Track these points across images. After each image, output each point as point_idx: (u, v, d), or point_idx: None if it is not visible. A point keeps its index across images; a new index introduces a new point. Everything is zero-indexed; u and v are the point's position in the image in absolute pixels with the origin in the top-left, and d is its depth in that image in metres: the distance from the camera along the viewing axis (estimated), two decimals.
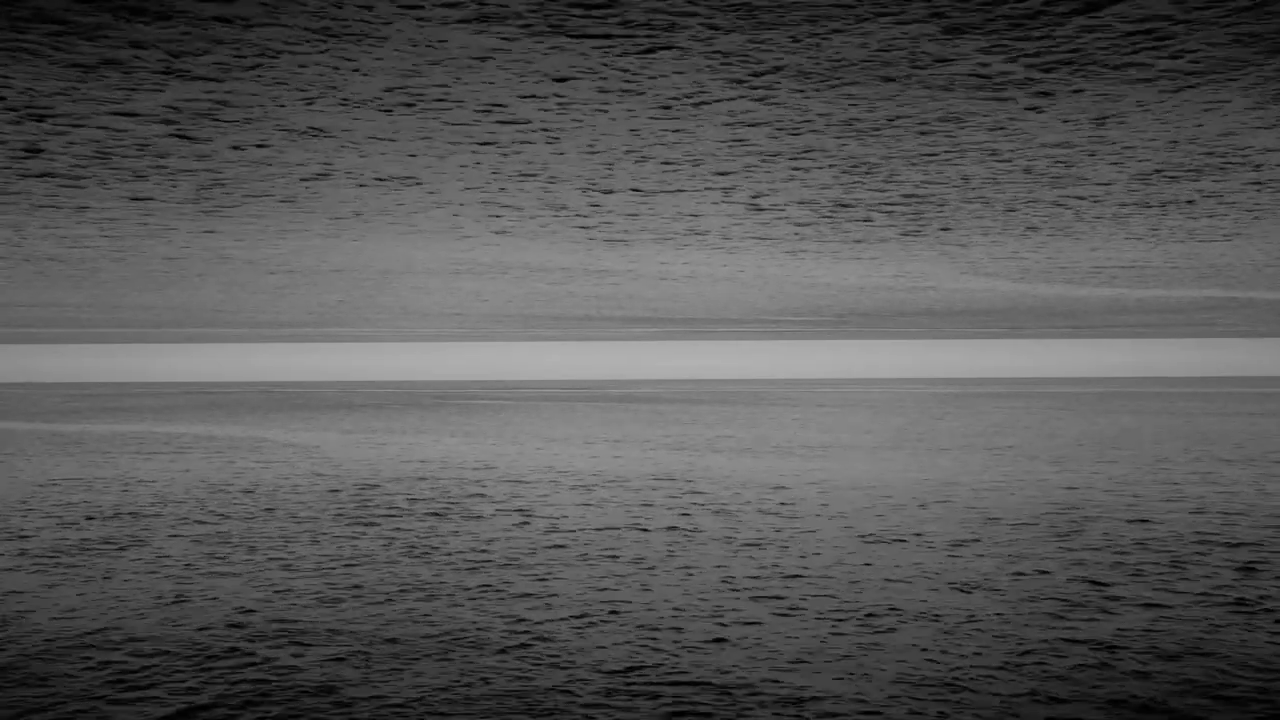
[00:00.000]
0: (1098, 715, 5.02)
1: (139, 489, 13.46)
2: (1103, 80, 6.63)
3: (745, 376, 63.71)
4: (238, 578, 8.07)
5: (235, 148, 8.78)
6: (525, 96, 7.08)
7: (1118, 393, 41.17)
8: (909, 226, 14.15)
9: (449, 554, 8.98)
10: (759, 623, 6.70)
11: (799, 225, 14.04)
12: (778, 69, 6.38)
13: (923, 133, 8.29)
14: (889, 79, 6.61)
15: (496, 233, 14.76)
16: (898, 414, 28.77)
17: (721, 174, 10.21)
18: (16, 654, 6.03)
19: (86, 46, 5.80)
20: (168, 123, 7.81)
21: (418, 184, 10.73)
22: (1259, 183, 10.77)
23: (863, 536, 9.75)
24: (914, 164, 9.69)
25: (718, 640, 6.30)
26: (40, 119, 7.67)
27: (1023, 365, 76.37)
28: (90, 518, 11.09)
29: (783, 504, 11.86)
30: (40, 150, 8.86)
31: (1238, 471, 14.84)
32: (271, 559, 8.80)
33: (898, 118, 7.75)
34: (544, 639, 6.34)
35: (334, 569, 8.38)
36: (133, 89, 6.77)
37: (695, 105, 7.35)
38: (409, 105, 7.31)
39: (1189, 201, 12.08)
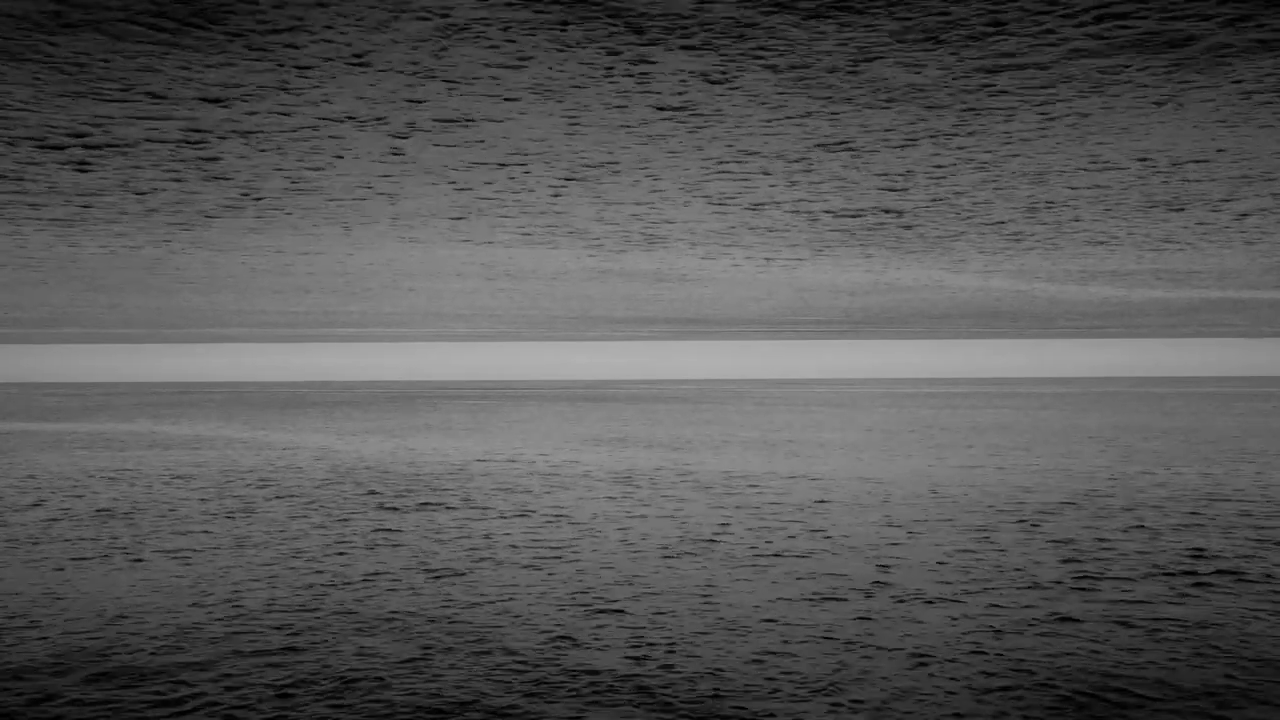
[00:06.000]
0: (1099, 713, 5.04)
1: (138, 489, 13.48)
2: (1101, 82, 6.66)
3: (745, 376, 63.69)
4: (237, 578, 8.10)
5: (236, 150, 8.80)
6: (526, 97, 7.11)
7: (1118, 393, 41.19)
8: (909, 227, 14.17)
9: (449, 554, 9.01)
10: (759, 622, 6.73)
11: (800, 226, 14.06)
12: (779, 73, 6.41)
13: (923, 133, 8.32)
14: (889, 81, 6.63)
15: (497, 234, 14.79)
16: (898, 414, 28.80)
17: (722, 176, 10.24)
18: (19, 655, 6.05)
19: (90, 48, 5.83)
20: (168, 124, 7.84)
21: (419, 186, 10.75)
22: (1258, 183, 10.79)
23: (862, 535, 9.77)
24: (914, 164, 9.72)
25: (718, 638, 6.32)
26: (41, 119, 7.70)
27: (1023, 365, 76.35)
28: (90, 518, 11.11)
29: (783, 504, 11.89)
30: (41, 151, 8.89)
31: (1237, 471, 14.86)
32: (271, 559, 8.82)
33: (898, 118, 7.78)
34: (544, 638, 6.36)
35: (333, 569, 8.40)
36: (135, 91, 6.80)
37: (696, 107, 7.37)
38: (410, 107, 7.34)
39: (1189, 201, 12.10)
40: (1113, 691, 5.32)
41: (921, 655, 5.98)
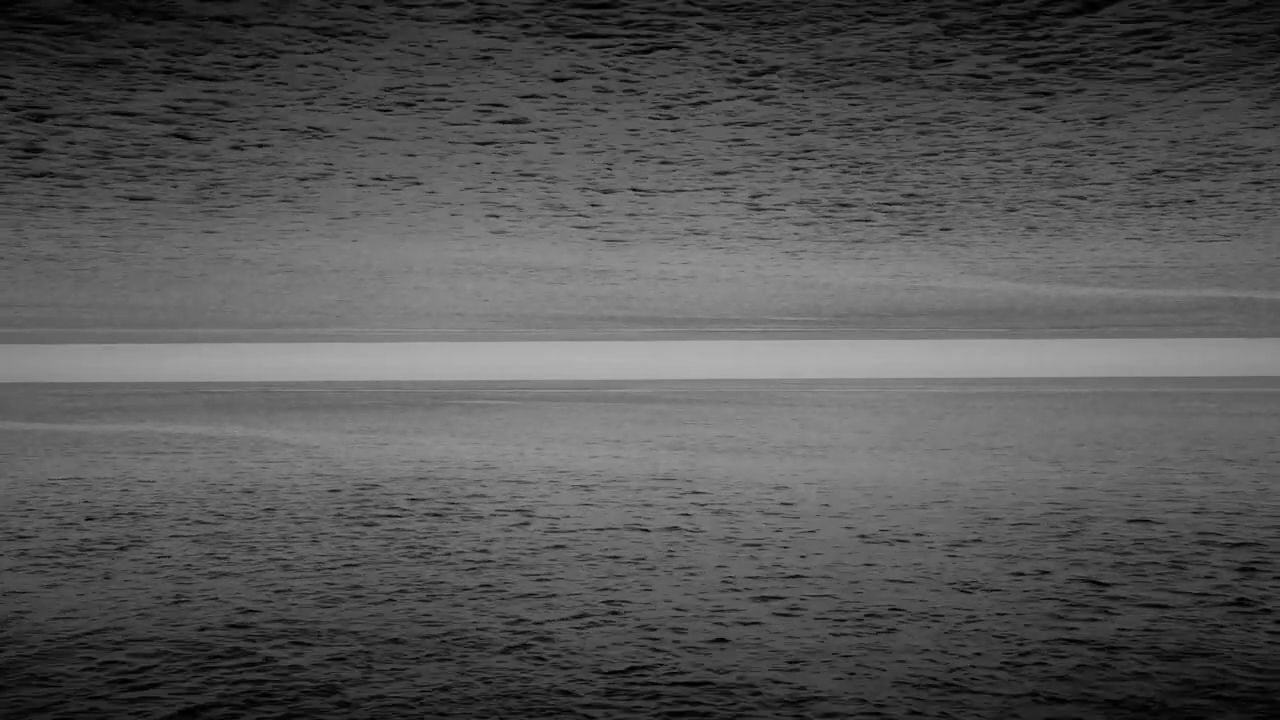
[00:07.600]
0: (1098, 716, 5.01)
1: (139, 489, 13.46)
2: (1102, 80, 6.63)
3: (745, 376, 63.68)
4: (238, 578, 8.07)
5: (235, 147, 8.78)
6: (525, 96, 7.08)
7: (1118, 393, 41.16)
8: (909, 226, 14.15)
9: (449, 554, 8.98)
10: (759, 623, 6.70)
11: (799, 225, 14.03)
12: (777, 69, 6.38)
13: (922, 132, 8.29)
14: (888, 79, 6.60)
15: (496, 233, 14.76)
16: (898, 414, 28.77)
17: (721, 174, 10.21)
18: (17, 654, 6.03)
19: (87, 46, 5.80)
20: (167, 122, 7.81)
21: (417, 184, 10.73)
22: (1258, 182, 10.77)
23: (862, 537, 9.74)
24: (914, 164, 9.69)
25: (718, 640, 6.30)
26: (40, 118, 7.67)
27: (1023, 365, 76.34)
28: (90, 518, 11.08)
29: (783, 504, 11.86)
30: (40, 150, 8.86)
31: (1238, 471, 14.84)
32: (272, 559, 8.79)
33: (897, 117, 7.75)
34: (544, 639, 6.34)
35: (334, 569, 8.38)
36: (132, 88, 6.77)
37: (695, 105, 7.35)
38: (408, 105, 7.31)
39: (1189, 201, 12.08)
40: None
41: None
